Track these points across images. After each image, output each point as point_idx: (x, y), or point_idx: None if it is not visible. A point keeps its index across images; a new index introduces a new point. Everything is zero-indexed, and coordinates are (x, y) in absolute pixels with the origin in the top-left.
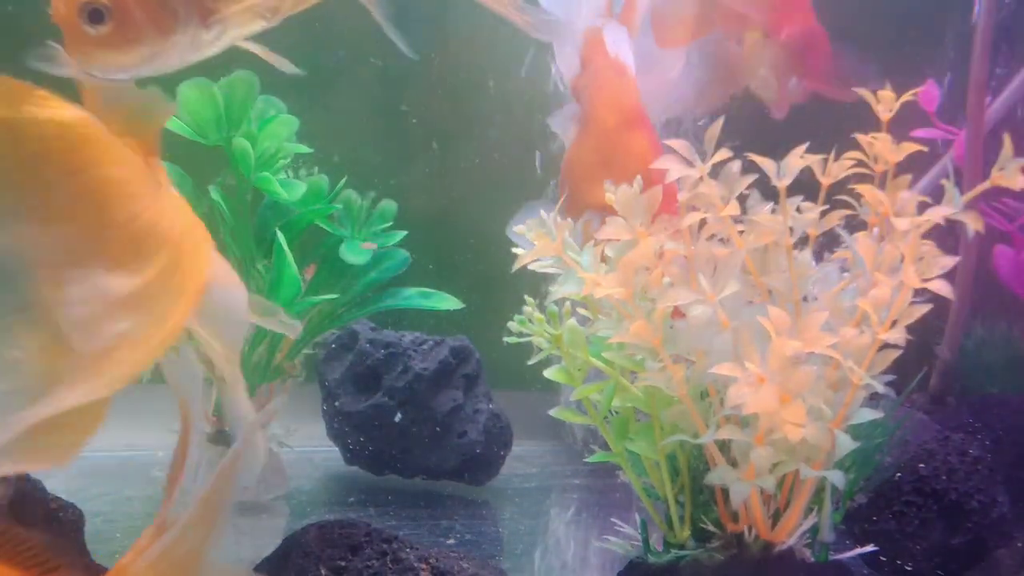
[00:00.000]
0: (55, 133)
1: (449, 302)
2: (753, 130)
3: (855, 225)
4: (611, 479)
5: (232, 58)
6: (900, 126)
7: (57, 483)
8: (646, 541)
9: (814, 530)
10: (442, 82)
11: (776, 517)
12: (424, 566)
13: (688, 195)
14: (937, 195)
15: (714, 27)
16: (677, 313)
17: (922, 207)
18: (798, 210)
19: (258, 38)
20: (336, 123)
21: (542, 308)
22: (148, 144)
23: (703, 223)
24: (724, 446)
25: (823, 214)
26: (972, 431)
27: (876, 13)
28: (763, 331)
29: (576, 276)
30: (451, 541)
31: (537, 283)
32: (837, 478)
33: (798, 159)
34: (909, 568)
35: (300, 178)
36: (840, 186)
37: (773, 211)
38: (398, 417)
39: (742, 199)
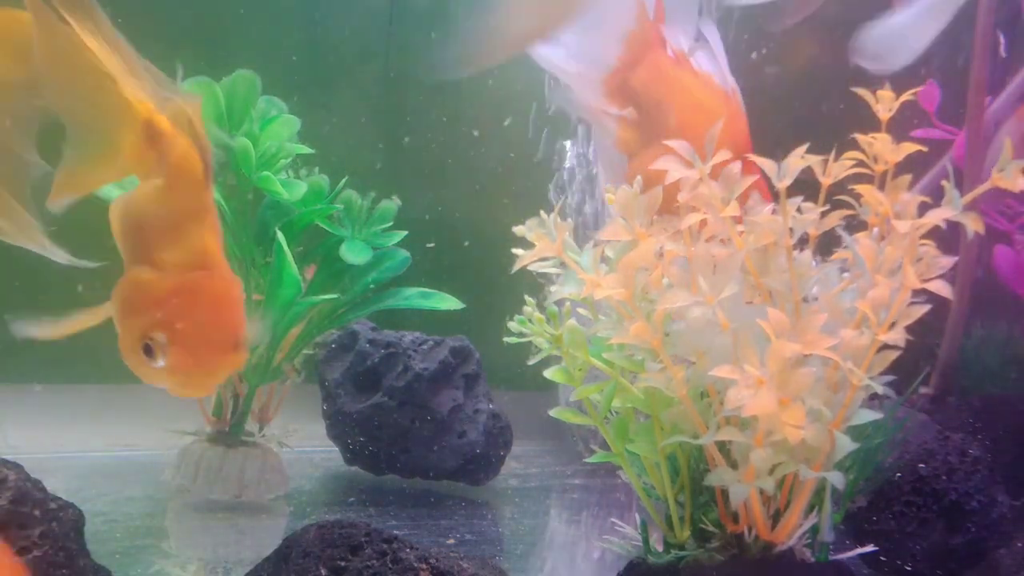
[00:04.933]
0: None
1: (449, 302)
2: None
3: (855, 226)
4: (611, 479)
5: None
6: (900, 125)
7: (57, 483)
8: (646, 541)
9: (814, 530)
10: (442, 82)
11: (776, 517)
12: (424, 566)
13: (688, 196)
14: (937, 194)
15: None
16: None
17: (922, 208)
18: (798, 211)
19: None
20: (338, 124)
21: (541, 308)
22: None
23: (703, 223)
24: (724, 447)
25: (823, 215)
26: (972, 431)
27: None
28: (763, 332)
29: (576, 277)
30: (451, 541)
31: (536, 283)
32: (837, 479)
33: (798, 159)
34: (909, 568)
35: (300, 177)
36: (840, 186)
37: (773, 211)
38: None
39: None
